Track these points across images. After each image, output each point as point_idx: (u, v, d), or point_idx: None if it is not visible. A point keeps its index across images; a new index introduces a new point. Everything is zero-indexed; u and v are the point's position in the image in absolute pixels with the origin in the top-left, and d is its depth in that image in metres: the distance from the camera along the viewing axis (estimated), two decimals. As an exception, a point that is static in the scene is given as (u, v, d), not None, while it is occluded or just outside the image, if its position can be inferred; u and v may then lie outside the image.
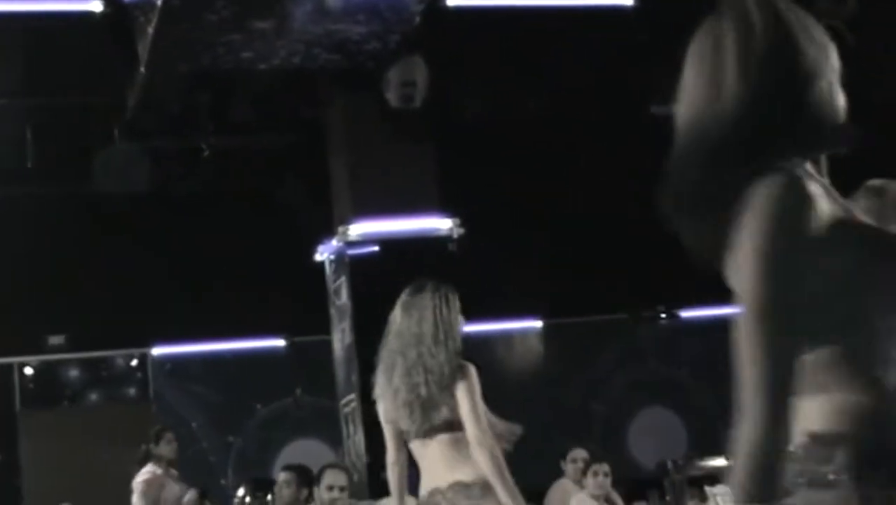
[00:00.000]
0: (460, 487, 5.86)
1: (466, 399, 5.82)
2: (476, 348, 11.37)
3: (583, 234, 12.26)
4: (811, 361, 2.41)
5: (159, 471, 9.81)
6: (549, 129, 11.93)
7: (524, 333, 13.51)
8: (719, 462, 11.97)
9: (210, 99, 11.06)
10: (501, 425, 6.04)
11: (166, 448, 10.04)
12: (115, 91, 10.86)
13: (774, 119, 2.46)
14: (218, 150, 11.90)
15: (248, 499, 10.09)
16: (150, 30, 9.58)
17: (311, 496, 8.67)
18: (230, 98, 11.09)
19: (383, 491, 9.87)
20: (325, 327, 11.65)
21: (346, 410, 11.32)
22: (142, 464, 9.91)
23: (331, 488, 8.29)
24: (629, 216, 12.47)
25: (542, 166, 12.22)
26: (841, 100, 2.53)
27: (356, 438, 11.11)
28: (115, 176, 11.58)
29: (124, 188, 11.73)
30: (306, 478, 9.02)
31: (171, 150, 11.91)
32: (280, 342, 13.41)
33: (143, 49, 9.95)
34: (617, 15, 10.76)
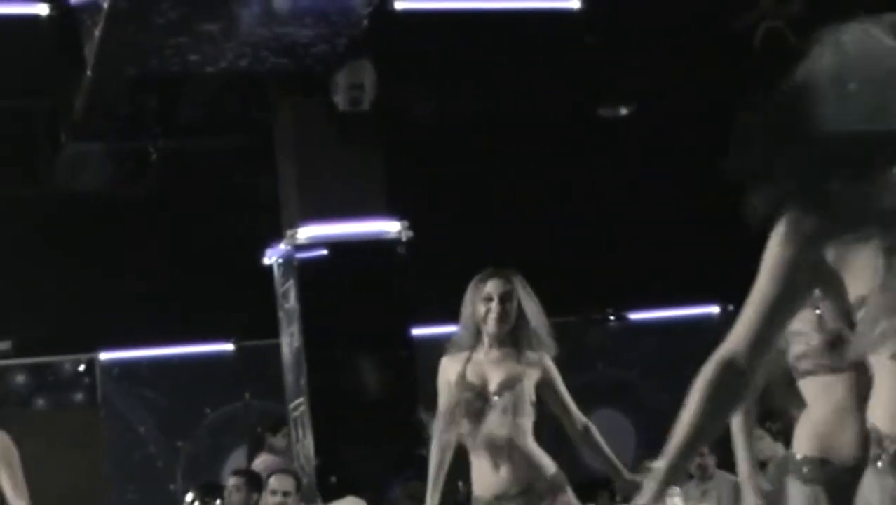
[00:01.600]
0: None
1: None
2: (425, 352, 11.37)
3: (532, 236, 12.27)
4: None
5: (276, 459, 10.08)
6: (498, 131, 11.94)
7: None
8: (668, 463, 12.02)
9: (157, 101, 11.00)
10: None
11: (282, 441, 10.57)
12: (61, 93, 10.78)
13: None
14: (166, 153, 11.84)
15: (196, 504, 10.04)
16: (97, 32, 9.51)
17: (260, 501, 8.64)
18: (178, 101, 11.03)
19: (333, 494, 9.86)
20: (273, 331, 11.61)
21: (295, 413, 11.28)
22: (254, 452, 10.34)
23: (275, 493, 8.26)
24: (578, 219, 12.54)
25: (490, 169, 12.22)
26: None
27: (305, 442, 11.07)
28: (62, 179, 11.50)
29: (71, 191, 11.64)
30: (256, 483, 8.99)
31: (119, 152, 11.83)
32: (229, 346, 13.34)
33: (89, 52, 9.88)
34: (564, 18, 10.79)
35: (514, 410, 5.85)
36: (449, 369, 5.94)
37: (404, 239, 11.27)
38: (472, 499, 5.92)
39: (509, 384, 5.88)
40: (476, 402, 5.83)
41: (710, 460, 10.42)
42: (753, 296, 2.53)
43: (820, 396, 4.55)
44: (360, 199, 11.18)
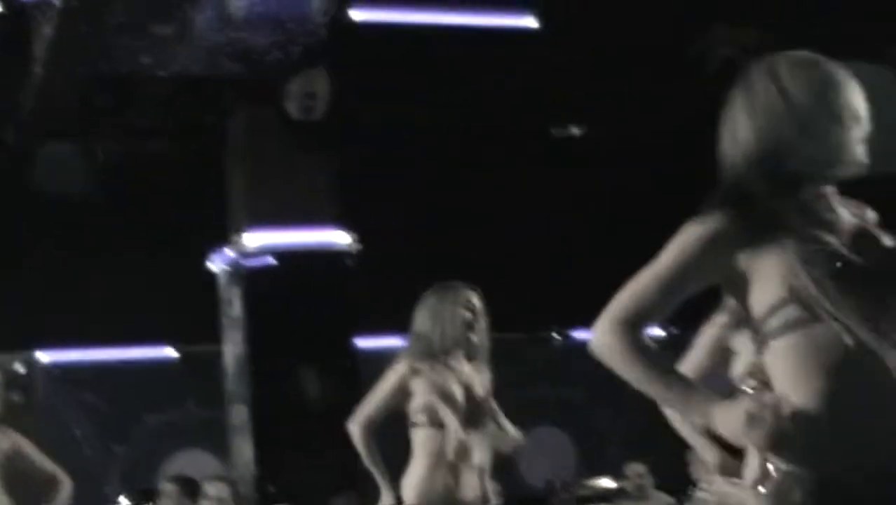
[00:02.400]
0: None
1: None
2: (371, 364, 11.35)
3: (480, 251, 12.27)
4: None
5: None
6: (450, 145, 11.94)
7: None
8: (608, 483, 12.04)
9: (107, 102, 10.90)
10: None
11: None
12: (9, 91, 10.68)
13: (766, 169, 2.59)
14: (115, 154, 11.75)
15: (130, 509, 9.97)
16: (49, 31, 9.44)
17: (196, 508, 8.57)
18: (128, 102, 10.95)
19: (270, 503, 9.82)
20: (217, 337, 11.55)
21: (236, 421, 11.22)
22: None
23: (211, 500, 8.20)
24: (527, 235, 12.55)
25: (441, 183, 12.22)
26: (849, 144, 2.61)
27: (244, 451, 11.02)
28: (7, 177, 11.40)
29: (17, 189, 11.53)
30: (189, 489, 8.91)
31: (66, 152, 11.72)
32: (171, 352, 13.26)
33: (40, 50, 9.80)
34: (521, 36, 10.80)
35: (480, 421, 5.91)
36: (427, 374, 5.85)
37: (352, 250, 11.25)
38: None
39: (487, 396, 5.93)
40: (473, 411, 5.80)
41: (648, 481, 10.46)
42: (653, 268, 2.60)
43: None
44: (309, 208, 11.15)
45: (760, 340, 2.56)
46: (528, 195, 12.32)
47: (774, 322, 2.50)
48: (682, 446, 10.31)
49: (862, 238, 2.56)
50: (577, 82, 11.10)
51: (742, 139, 2.61)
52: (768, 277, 2.51)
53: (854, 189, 2.72)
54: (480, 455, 5.83)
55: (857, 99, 2.63)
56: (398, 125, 11.66)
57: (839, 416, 2.42)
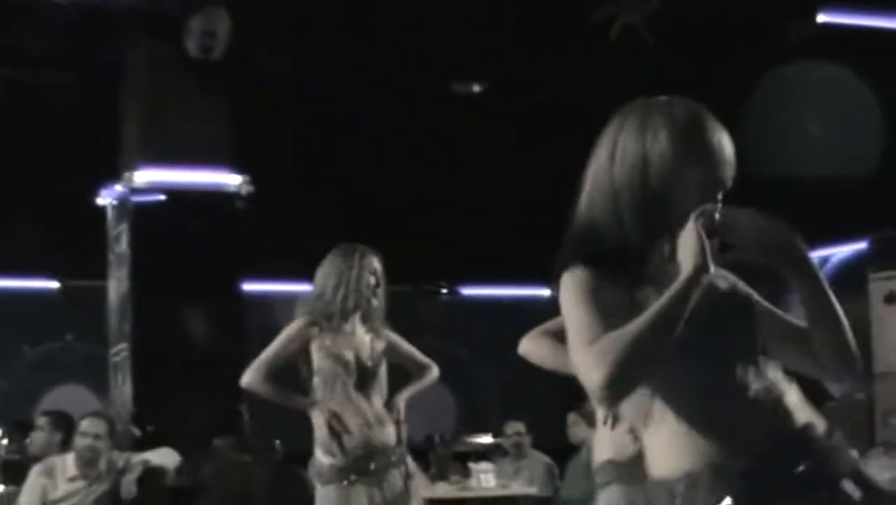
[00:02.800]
0: None
1: None
2: (257, 308, 11.32)
3: (372, 202, 12.27)
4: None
5: None
6: (351, 95, 11.89)
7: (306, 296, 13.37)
8: (486, 439, 12.15)
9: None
10: None
11: None
12: None
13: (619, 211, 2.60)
14: (7, 83, 11.54)
15: (4, 441, 9.85)
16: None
17: (68, 442, 8.49)
18: (23, 30, 10.74)
19: (147, 443, 9.76)
20: (102, 273, 11.44)
21: (117, 358, 11.14)
22: None
23: (85, 435, 8.12)
24: (421, 190, 12.56)
25: (339, 133, 12.17)
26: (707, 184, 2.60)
27: (124, 389, 10.94)
28: None
29: None
30: (63, 424, 8.83)
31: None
32: (54, 284, 13.10)
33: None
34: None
35: (380, 385, 6.04)
36: (324, 337, 5.91)
37: (244, 193, 11.18)
38: (321, 466, 5.93)
39: (378, 360, 6.02)
40: (350, 374, 5.86)
41: (526, 440, 10.55)
42: (578, 333, 2.52)
43: None
44: (202, 148, 11.05)
45: None
46: (424, 150, 12.33)
47: None
48: (560, 407, 10.44)
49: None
50: (479, 40, 11.10)
51: (608, 186, 2.63)
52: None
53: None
54: (370, 416, 5.95)
55: (716, 141, 2.62)
56: (297, 71, 11.58)
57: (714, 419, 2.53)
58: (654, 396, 2.56)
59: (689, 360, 2.51)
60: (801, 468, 2.50)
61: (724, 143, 2.62)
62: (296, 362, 6.01)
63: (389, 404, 6.12)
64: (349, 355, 5.91)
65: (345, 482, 5.82)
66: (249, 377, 6.02)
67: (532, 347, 4.71)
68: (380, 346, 6.04)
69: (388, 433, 6.03)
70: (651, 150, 2.58)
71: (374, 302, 6.00)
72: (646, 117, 2.62)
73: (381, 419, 6.00)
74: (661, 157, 2.57)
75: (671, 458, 2.54)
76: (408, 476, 6.06)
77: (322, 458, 5.92)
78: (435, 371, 6.39)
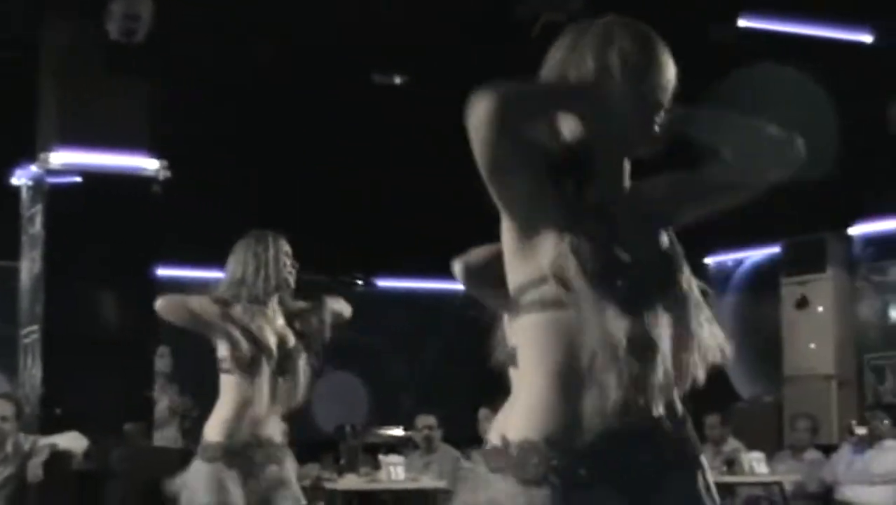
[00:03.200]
0: None
1: None
2: (170, 293, 11.21)
3: (289, 192, 12.24)
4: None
5: None
6: (273, 83, 11.84)
7: (219, 283, 13.29)
8: (398, 432, 12.16)
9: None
10: None
11: None
12: None
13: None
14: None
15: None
16: None
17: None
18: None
19: (56, 426, 9.67)
20: (14, 253, 11.32)
21: (27, 340, 11.03)
22: None
23: (-8, 416, 8.06)
24: (340, 180, 12.55)
25: (259, 120, 12.12)
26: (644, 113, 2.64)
27: (33, 371, 10.83)
28: None
29: None
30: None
31: None
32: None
33: None
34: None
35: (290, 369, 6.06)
36: (242, 320, 5.95)
37: (161, 178, 11.10)
38: (207, 443, 5.92)
39: (287, 341, 6.07)
40: (258, 355, 5.87)
41: (437, 434, 10.58)
42: None
43: None
44: (120, 131, 10.96)
45: (513, 311, 2.64)
46: (343, 140, 12.30)
47: (529, 297, 2.58)
48: (472, 402, 10.49)
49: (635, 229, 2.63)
50: (403, 31, 11.10)
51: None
52: (537, 251, 2.57)
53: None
54: (287, 401, 6.00)
55: (659, 73, 2.68)
56: (220, 58, 11.51)
57: (569, 391, 2.53)
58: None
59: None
60: (639, 454, 2.56)
61: (671, 68, 2.70)
62: (212, 340, 5.98)
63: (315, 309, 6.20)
64: (270, 340, 5.95)
65: (224, 464, 5.82)
66: (167, 299, 6.04)
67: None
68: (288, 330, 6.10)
69: (278, 429, 6.02)
70: (612, 66, 2.62)
71: (292, 283, 6.08)
72: (606, 34, 2.67)
73: (275, 410, 6.00)
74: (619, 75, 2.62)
75: (520, 427, 2.57)
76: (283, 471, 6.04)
77: (212, 435, 5.91)
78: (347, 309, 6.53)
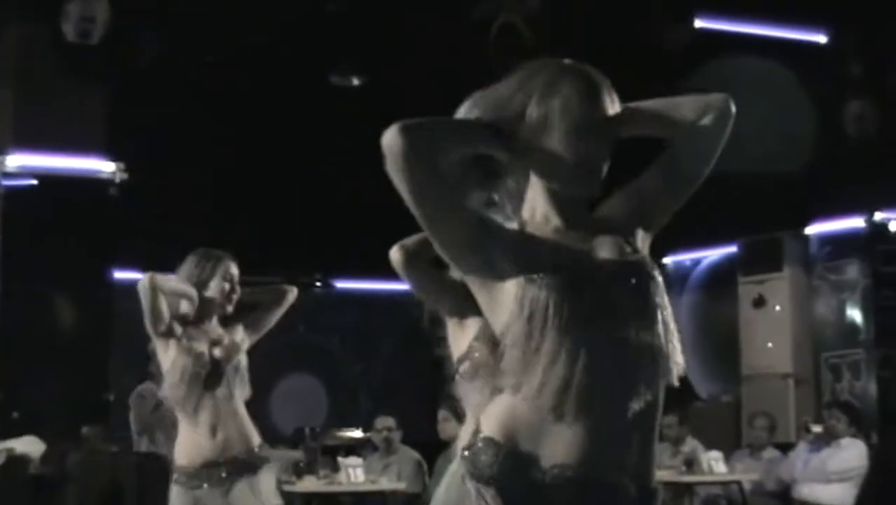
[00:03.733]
0: None
1: None
2: (127, 297, 11.16)
3: (247, 194, 12.20)
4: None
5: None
6: (228, 86, 11.79)
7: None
8: (357, 434, 12.14)
9: None
10: None
11: None
12: None
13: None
14: None
15: None
16: None
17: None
18: None
19: (12, 431, 9.62)
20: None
21: (-17, 345, 10.95)
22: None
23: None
24: (297, 182, 12.51)
25: (217, 124, 12.07)
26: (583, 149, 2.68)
27: (-11, 375, 10.77)
28: None
29: None
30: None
31: None
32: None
33: None
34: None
35: (237, 380, 6.00)
36: (182, 341, 5.92)
37: (118, 180, 11.05)
38: (177, 468, 5.89)
39: (232, 354, 6.01)
40: (202, 369, 5.83)
41: (396, 435, 10.56)
42: None
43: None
44: (77, 133, 10.90)
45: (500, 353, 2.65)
46: (301, 142, 12.27)
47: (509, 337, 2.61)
48: (431, 403, 10.48)
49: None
50: (359, 33, 11.10)
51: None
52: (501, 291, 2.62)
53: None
54: (227, 413, 5.93)
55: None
56: (176, 60, 11.46)
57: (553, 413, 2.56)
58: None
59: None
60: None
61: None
62: (154, 357, 5.97)
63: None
64: (205, 351, 5.93)
65: (195, 487, 5.80)
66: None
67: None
68: (237, 336, 6.08)
69: (247, 438, 5.98)
70: (552, 115, 2.67)
71: (230, 309, 6.05)
72: (553, 83, 2.69)
73: (238, 423, 5.97)
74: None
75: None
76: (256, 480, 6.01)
77: (177, 458, 5.90)
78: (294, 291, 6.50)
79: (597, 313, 2.56)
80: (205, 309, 5.98)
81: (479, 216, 2.63)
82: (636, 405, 2.57)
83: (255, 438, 6.03)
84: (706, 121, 2.81)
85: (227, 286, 6.02)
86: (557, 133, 2.65)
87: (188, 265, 6.04)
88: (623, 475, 2.59)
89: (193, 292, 5.95)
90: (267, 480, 6.06)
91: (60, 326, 10.72)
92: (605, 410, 2.55)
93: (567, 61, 2.75)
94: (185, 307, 5.96)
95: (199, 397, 5.87)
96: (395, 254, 4.71)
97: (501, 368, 2.61)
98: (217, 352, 5.94)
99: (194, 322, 5.96)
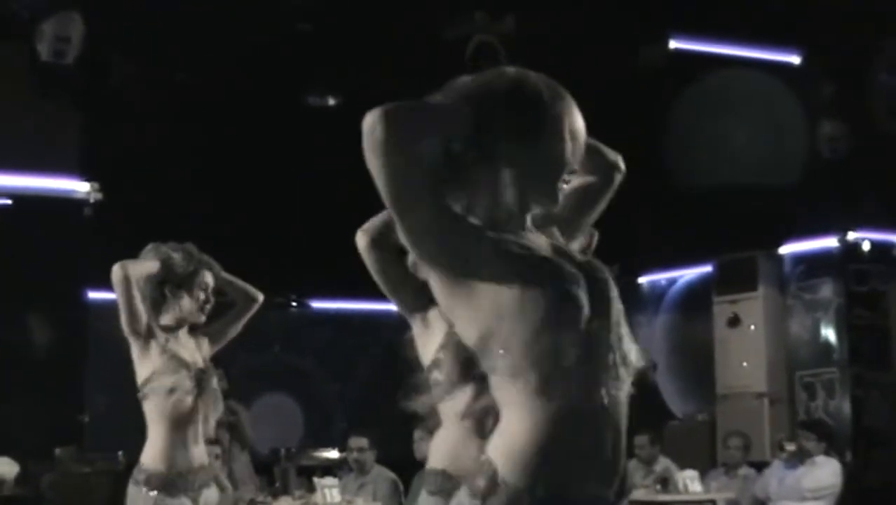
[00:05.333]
0: None
1: None
2: (101, 317, 11.15)
3: (223, 213, 12.18)
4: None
5: None
6: (203, 106, 11.79)
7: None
8: (332, 454, 12.12)
9: None
10: None
11: None
12: None
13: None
14: None
15: None
16: None
17: None
18: None
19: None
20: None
21: (-44, 365, 10.90)
22: None
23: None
24: (272, 201, 12.51)
25: (192, 144, 12.06)
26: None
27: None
28: None
29: None
30: None
31: None
32: None
33: None
34: (282, 3, 10.74)
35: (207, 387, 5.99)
36: (160, 347, 5.90)
37: (92, 200, 11.03)
38: (146, 471, 5.85)
39: (208, 366, 6.02)
40: (190, 381, 5.82)
41: (370, 456, 10.54)
42: None
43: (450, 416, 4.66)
44: (51, 153, 10.89)
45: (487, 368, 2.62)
46: (277, 162, 12.28)
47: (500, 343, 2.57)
48: (406, 423, 10.43)
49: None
50: (335, 54, 11.11)
51: None
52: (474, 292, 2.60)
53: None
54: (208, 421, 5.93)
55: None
56: (151, 80, 11.46)
57: (558, 442, 2.53)
58: None
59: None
60: None
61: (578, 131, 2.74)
62: (133, 365, 5.94)
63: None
64: (189, 361, 5.90)
65: (164, 494, 5.77)
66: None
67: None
68: (204, 348, 6.06)
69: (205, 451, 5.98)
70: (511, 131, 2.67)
71: (202, 319, 6.01)
72: (515, 100, 2.71)
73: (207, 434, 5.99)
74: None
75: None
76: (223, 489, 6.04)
77: (150, 464, 5.84)
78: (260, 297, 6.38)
79: (591, 313, 2.55)
80: (180, 322, 5.94)
81: (450, 207, 2.59)
82: (609, 407, 2.57)
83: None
84: (619, 175, 3.00)
85: (202, 296, 5.98)
86: (545, 134, 2.66)
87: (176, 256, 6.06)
88: (605, 487, 2.58)
89: (157, 265, 5.97)
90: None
91: (34, 346, 10.68)
92: (590, 413, 2.55)
93: (530, 78, 2.75)
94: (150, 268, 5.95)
95: (188, 407, 5.82)
96: (359, 239, 4.72)
97: (491, 378, 2.59)
98: (201, 363, 5.93)
99: (169, 329, 5.91)
